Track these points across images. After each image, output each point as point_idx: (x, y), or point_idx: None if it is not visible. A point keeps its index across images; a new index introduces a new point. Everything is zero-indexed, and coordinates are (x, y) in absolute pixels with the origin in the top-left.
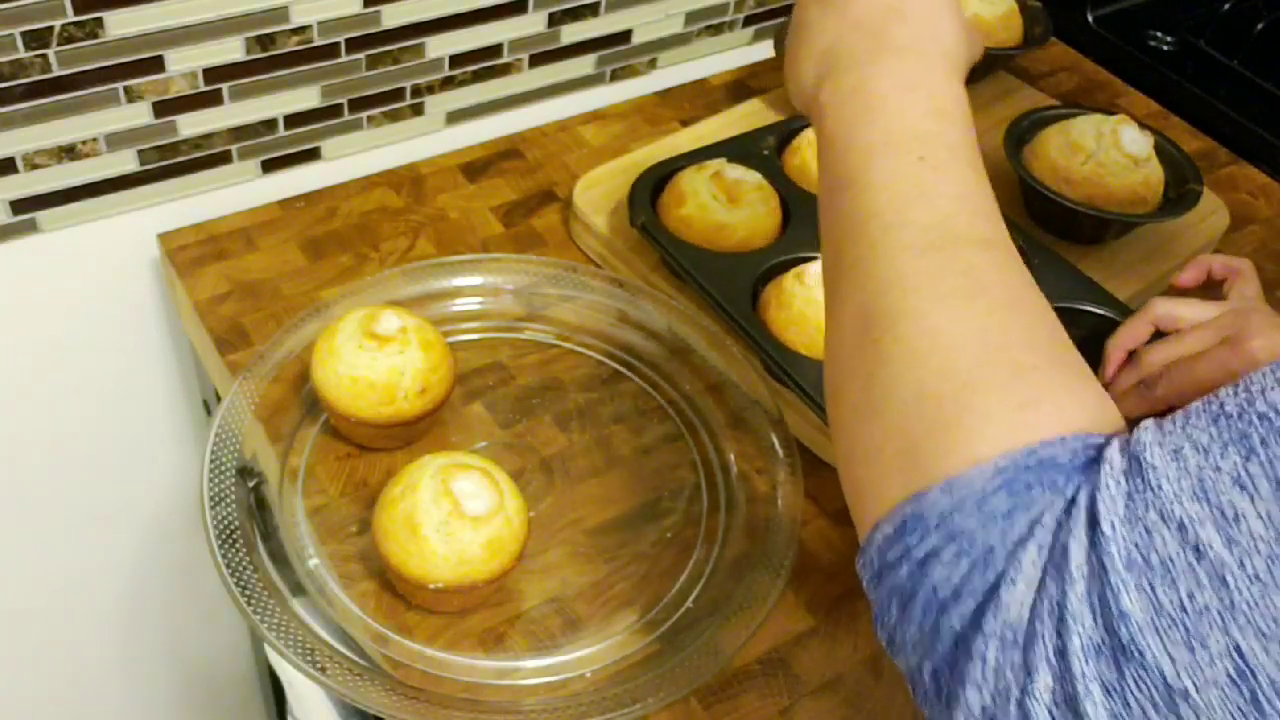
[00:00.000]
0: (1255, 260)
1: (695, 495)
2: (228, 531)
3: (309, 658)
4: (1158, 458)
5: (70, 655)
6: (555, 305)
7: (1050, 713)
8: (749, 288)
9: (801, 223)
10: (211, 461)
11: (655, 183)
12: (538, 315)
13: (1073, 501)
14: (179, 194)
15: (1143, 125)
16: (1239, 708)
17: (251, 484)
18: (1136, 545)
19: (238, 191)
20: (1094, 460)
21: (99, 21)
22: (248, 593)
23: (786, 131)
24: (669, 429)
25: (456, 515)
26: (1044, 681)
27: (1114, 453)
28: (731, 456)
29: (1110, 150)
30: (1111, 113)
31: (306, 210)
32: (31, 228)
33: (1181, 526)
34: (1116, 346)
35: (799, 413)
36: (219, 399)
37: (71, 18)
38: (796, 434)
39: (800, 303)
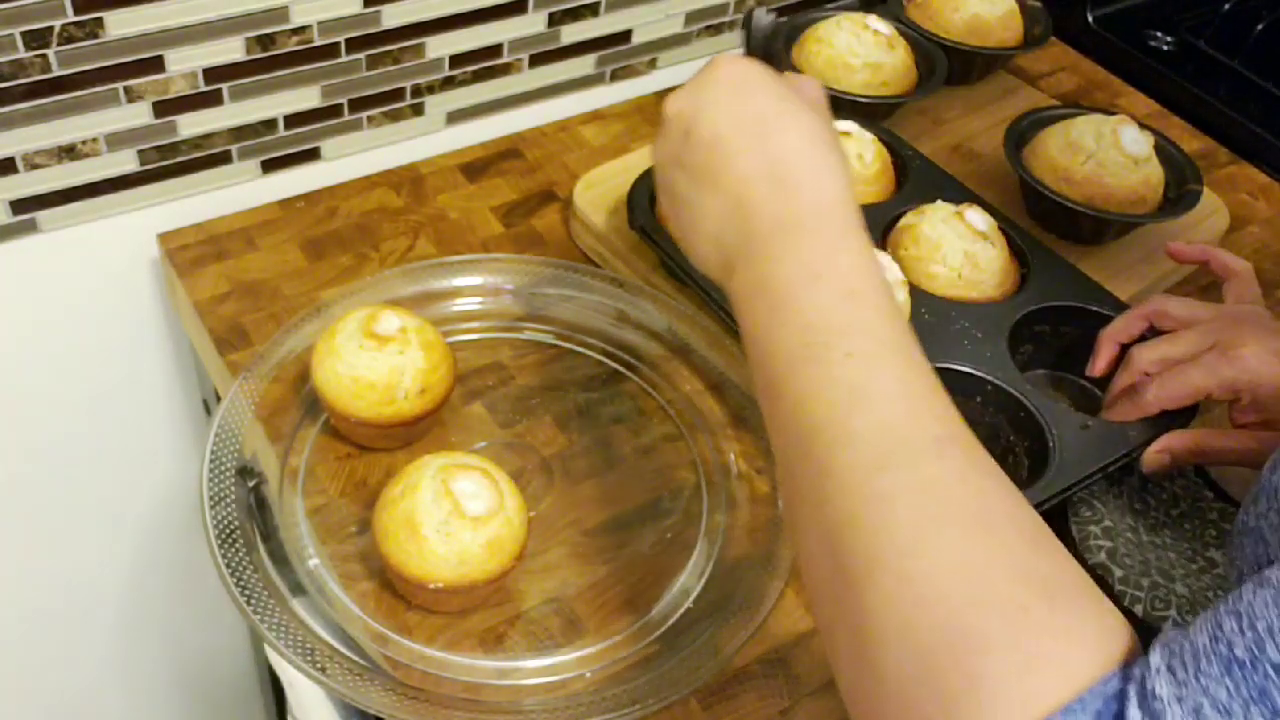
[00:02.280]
0: (1255, 261)
1: (695, 495)
2: (228, 531)
3: (309, 658)
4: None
5: (70, 655)
6: (555, 305)
7: None
8: None
9: None
10: (211, 461)
11: (654, 184)
12: (538, 315)
13: None
14: (179, 194)
15: (1143, 125)
16: None
17: (251, 484)
18: None
19: (238, 191)
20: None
21: (99, 21)
22: (248, 593)
23: None
24: (669, 429)
25: (456, 515)
26: None
27: (1134, 712)
28: (731, 456)
29: (1110, 150)
30: (1111, 113)
31: (306, 210)
32: (31, 228)
33: None
34: (1108, 338)
35: None
36: (219, 399)
37: (71, 18)
38: None
39: None
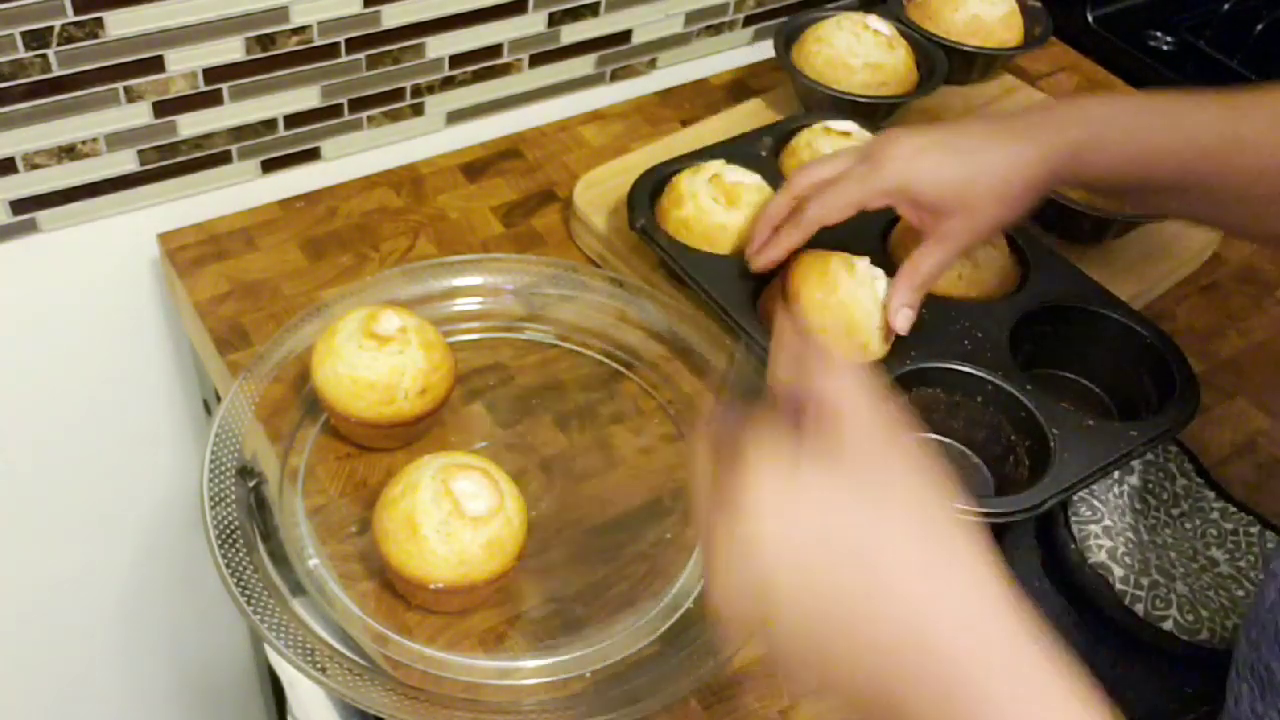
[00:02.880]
0: (1254, 260)
1: None
2: (228, 531)
3: (309, 658)
4: None
5: (70, 655)
6: (555, 305)
7: None
8: (749, 290)
9: None
10: (211, 461)
11: (654, 184)
12: (538, 315)
13: None
14: (179, 194)
15: None
16: None
17: (251, 484)
18: None
19: (238, 191)
20: None
21: (99, 21)
22: (248, 593)
23: (783, 132)
24: (669, 429)
25: (456, 515)
26: None
27: None
28: None
29: None
30: None
31: (306, 210)
32: (31, 228)
33: None
34: (765, 222)
35: None
36: (219, 399)
37: (71, 18)
38: None
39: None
